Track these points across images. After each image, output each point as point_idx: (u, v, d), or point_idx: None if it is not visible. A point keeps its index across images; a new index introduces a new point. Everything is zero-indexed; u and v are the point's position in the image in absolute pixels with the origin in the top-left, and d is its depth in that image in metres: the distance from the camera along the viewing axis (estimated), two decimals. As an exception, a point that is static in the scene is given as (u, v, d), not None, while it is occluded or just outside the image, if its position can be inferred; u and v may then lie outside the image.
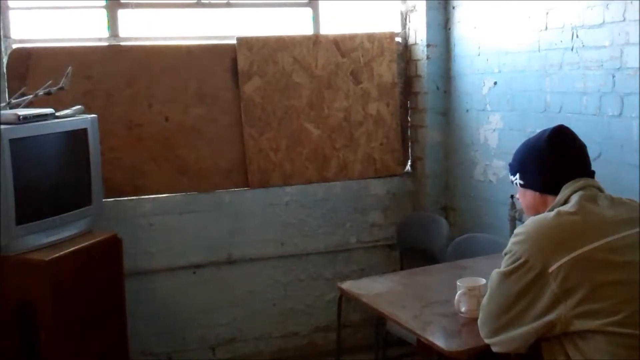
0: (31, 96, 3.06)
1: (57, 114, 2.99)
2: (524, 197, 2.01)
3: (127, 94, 3.64)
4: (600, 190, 1.90)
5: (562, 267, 1.66)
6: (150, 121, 3.69)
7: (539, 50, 3.35)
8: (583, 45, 3.08)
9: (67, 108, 3.14)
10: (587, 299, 1.64)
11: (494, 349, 1.84)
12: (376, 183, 4.10)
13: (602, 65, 2.98)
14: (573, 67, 3.15)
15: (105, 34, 3.69)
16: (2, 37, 3.47)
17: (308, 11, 4.05)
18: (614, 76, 2.93)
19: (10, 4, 3.55)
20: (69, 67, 3.10)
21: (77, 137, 3.04)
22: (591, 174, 1.94)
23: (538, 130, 3.36)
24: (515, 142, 3.56)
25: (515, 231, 1.82)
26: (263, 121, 3.85)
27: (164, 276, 3.72)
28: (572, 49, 3.14)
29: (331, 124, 3.99)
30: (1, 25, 3.48)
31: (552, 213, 1.81)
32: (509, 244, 1.80)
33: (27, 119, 2.77)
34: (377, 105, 4.08)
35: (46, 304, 2.70)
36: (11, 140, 2.66)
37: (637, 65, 2.80)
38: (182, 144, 3.74)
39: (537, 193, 1.96)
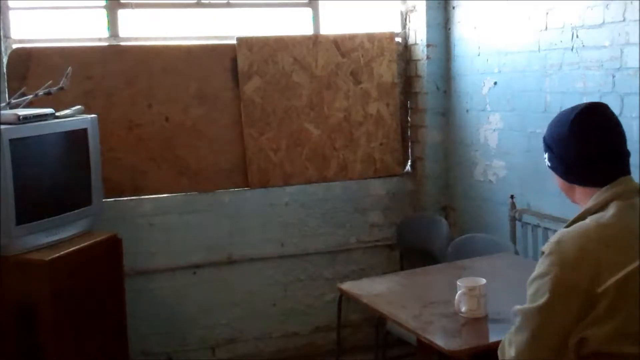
0: (31, 96, 3.06)
1: (57, 114, 2.99)
2: (555, 178, 1.75)
3: (127, 94, 3.64)
4: (638, 189, 1.64)
5: (612, 287, 1.46)
6: (150, 121, 3.69)
7: (539, 50, 3.35)
8: (583, 45, 3.08)
9: (67, 108, 3.14)
10: (630, 319, 1.46)
11: None
12: (376, 183, 4.10)
13: (602, 65, 2.98)
14: (573, 67, 3.15)
15: (105, 34, 3.69)
16: (2, 37, 3.47)
17: (308, 11, 4.05)
18: (614, 76, 2.93)
19: (10, 4, 3.54)
20: (69, 67, 3.10)
21: (77, 137, 3.04)
22: (627, 166, 1.65)
23: (538, 130, 3.41)
24: (515, 142, 3.58)
25: (550, 248, 1.56)
26: (263, 121, 3.85)
27: (164, 276, 3.72)
28: (572, 49, 3.14)
29: (331, 124, 3.99)
30: (1, 25, 3.48)
31: (592, 225, 1.56)
32: (545, 265, 1.53)
33: (27, 119, 2.77)
34: (377, 105, 4.08)
35: (46, 304, 2.70)
36: (11, 140, 2.66)
37: (637, 65, 2.80)
38: (182, 144, 3.73)
39: (563, 180, 1.71)
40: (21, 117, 2.75)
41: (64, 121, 3.00)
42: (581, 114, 1.65)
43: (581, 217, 1.62)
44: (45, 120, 2.87)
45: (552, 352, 1.51)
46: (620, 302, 1.45)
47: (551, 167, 1.74)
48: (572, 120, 1.65)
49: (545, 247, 1.57)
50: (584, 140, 1.63)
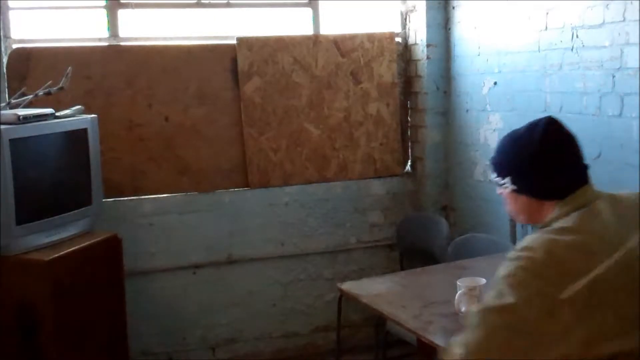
0: (31, 96, 3.06)
1: (57, 114, 2.99)
2: (516, 203, 1.76)
3: (127, 94, 3.64)
4: (599, 196, 1.67)
5: (578, 294, 1.44)
6: (150, 121, 3.69)
7: (539, 50, 3.35)
8: (583, 45, 3.08)
9: (67, 108, 3.14)
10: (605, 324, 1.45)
11: None
12: (376, 183, 4.10)
13: (602, 65, 2.98)
14: (573, 67, 3.15)
15: (105, 34, 3.69)
16: (2, 37, 3.47)
17: (308, 11, 4.05)
18: (614, 76, 2.93)
19: (10, 4, 3.55)
20: (69, 67, 3.10)
21: (77, 137, 3.04)
22: (586, 172, 1.71)
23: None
24: (515, 142, 3.58)
25: (517, 254, 1.55)
26: (263, 121, 3.85)
27: (164, 276, 3.73)
28: (572, 49, 3.14)
29: (331, 124, 3.99)
30: (1, 25, 3.48)
31: (559, 231, 1.58)
32: (512, 268, 1.52)
33: (27, 119, 2.77)
34: (377, 106, 4.08)
35: (46, 304, 2.70)
36: (11, 140, 2.66)
37: (637, 65, 2.80)
38: (182, 144, 3.74)
39: (534, 199, 1.71)
40: (21, 117, 2.75)
41: (64, 121, 3.00)
42: (547, 128, 1.69)
43: (547, 225, 1.63)
44: (45, 120, 2.87)
45: (503, 355, 1.46)
46: (589, 308, 1.44)
47: (519, 190, 1.73)
48: (541, 138, 1.67)
49: (511, 253, 1.55)
50: (558, 152, 1.68)
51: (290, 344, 4.00)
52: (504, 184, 1.76)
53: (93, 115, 3.13)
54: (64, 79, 3.06)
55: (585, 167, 1.71)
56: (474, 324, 1.50)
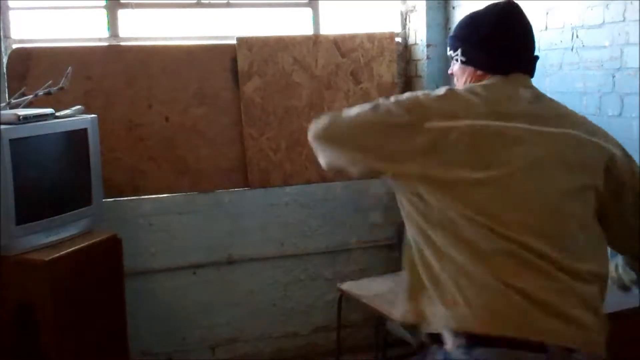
0: (31, 96, 3.06)
1: (57, 114, 2.99)
2: (462, 75, 1.81)
3: (127, 94, 3.64)
4: (530, 87, 1.73)
5: (440, 129, 1.56)
6: (150, 121, 3.69)
7: (539, 50, 3.34)
8: (583, 45, 3.08)
9: (67, 108, 3.14)
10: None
11: (319, 148, 1.75)
12: (376, 183, 4.10)
13: (602, 65, 2.98)
14: (573, 67, 3.15)
15: (105, 34, 3.69)
16: (2, 37, 3.47)
17: (308, 11, 4.06)
18: (614, 76, 2.93)
19: (10, 4, 3.55)
20: (69, 67, 3.10)
21: (77, 137, 3.04)
22: (530, 62, 1.78)
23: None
24: (515, 142, 3.57)
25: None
26: (263, 121, 3.85)
27: (164, 276, 3.72)
28: (572, 49, 3.14)
29: (331, 124, 3.98)
30: (1, 25, 3.48)
31: (468, 87, 1.72)
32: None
33: (27, 119, 2.77)
34: (377, 105, 4.08)
35: (46, 304, 2.70)
36: (11, 141, 2.65)
37: (637, 65, 2.80)
38: (182, 144, 3.73)
39: (477, 70, 1.77)
40: (21, 117, 2.75)
41: (64, 121, 3.00)
42: (505, 8, 1.77)
43: None
44: (45, 120, 2.87)
45: (363, 137, 1.64)
46: (444, 144, 1.54)
47: (465, 62, 1.79)
48: (495, 16, 1.76)
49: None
50: (504, 33, 1.74)
51: (290, 344, 3.99)
52: (455, 56, 1.82)
53: (93, 115, 3.13)
54: (64, 79, 3.06)
55: (531, 58, 1.78)
56: (351, 113, 1.68)
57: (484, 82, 1.71)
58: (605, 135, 1.71)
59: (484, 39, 1.74)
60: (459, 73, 1.81)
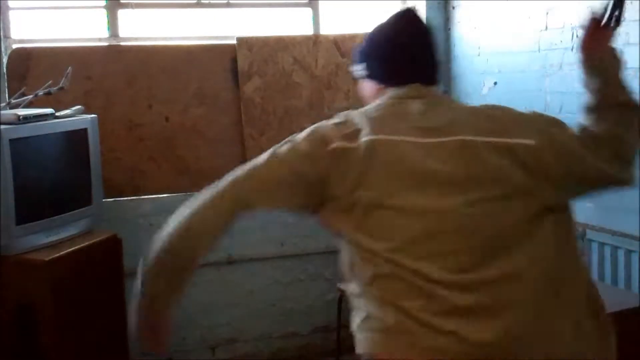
0: (31, 96, 3.06)
1: (57, 114, 2.99)
2: (366, 90, 1.76)
3: (127, 94, 3.64)
4: (426, 96, 1.64)
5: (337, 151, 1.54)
6: (150, 121, 3.69)
7: (539, 50, 3.35)
8: (583, 45, 3.08)
9: (67, 108, 3.14)
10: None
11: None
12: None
13: (602, 65, 2.98)
14: (573, 67, 3.14)
15: (105, 34, 3.69)
16: (2, 37, 3.47)
17: (308, 11, 4.05)
18: (614, 76, 2.93)
19: (10, 4, 3.55)
20: (69, 67, 3.10)
21: (77, 137, 3.04)
22: (428, 71, 1.69)
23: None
24: (515, 142, 3.58)
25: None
26: (263, 121, 3.85)
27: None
28: (572, 49, 3.14)
29: (331, 124, 3.98)
30: (1, 25, 3.48)
31: (364, 109, 1.65)
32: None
33: (27, 119, 2.77)
34: (377, 105, 4.08)
35: (46, 304, 2.70)
36: (11, 140, 2.65)
37: (637, 65, 2.80)
38: (182, 144, 3.73)
39: (378, 84, 1.70)
40: (21, 117, 2.75)
41: (64, 121, 3.00)
42: (404, 16, 1.70)
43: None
44: (46, 120, 2.87)
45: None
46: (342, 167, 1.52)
47: (368, 76, 1.73)
48: (392, 24, 1.69)
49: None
50: (401, 42, 1.67)
51: (290, 344, 3.99)
52: (359, 70, 1.76)
53: (93, 115, 3.13)
54: (64, 79, 3.06)
55: (429, 67, 1.70)
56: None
57: (377, 101, 1.66)
58: (529, 122, 1.57)
59: (379, 50, 1.69)
60: (364, 88, 1.76)
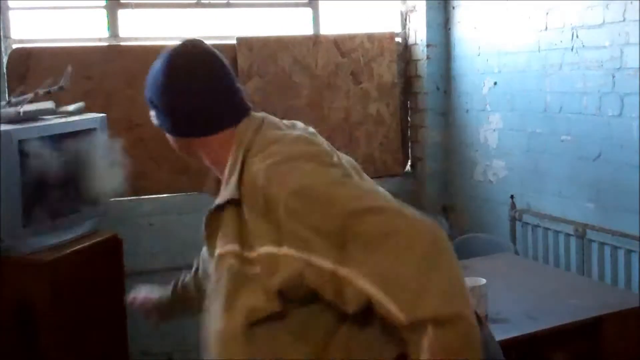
0: (31, 95, 3.06)
1: (59, 110, 2.99)
2: (181, 146, 1.56)
3: (127, 94, 3.64)
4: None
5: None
6: (150, 121, 3.67)
7: (539, 51, 3.35)
8: (583, 45, 3.08)
9: (67, 108, 3.14)
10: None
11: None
12: (376, 183, 4.10)
13: (602, 65, 2.98)
14: (573, 67, 3.15)
15: (105, 34, 3.69)
16: (2, 37, 3.47)
17: (308, 11, 4.06)
18: (614, 76, 2.93)
19: (10, 4, 3.54)
20: (69, 67, 3.10)
21: (86, 136, 3.02)
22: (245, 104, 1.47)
23: (538, 130, 3.41)
24: (515, 142, 3.58)
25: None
26: (263, 121, 3.85)
27: (164, 276, 3.71)
28: (572, 49, 3.14)
29: (331, 124, 3.99)
30: (1, 25, 3.48)
31: (290, 140, 1.39)
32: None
33: (27, 114, 2.76)
34: (377, 106, 4.08)
35: (46, 304, 2.70)
36: (20, 142, 2.63)
37: (637, 65, 2.81)
38: (182, 144, 3.73)
39: (188, 138, 1.48)
40: (21, 112, 2.74)
41: (73, 121, 2.97)
42: (180, 51, 1.45)
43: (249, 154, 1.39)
44: (46, 115, 2.86)
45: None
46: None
47: (168, 130, 1.50)
48: (166, 63, 1.43)
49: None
50: (184, 82, 1.43)
51: (290, 344, 3.99)
52: (154, 117, 1.50)
53: (102, 115, 3.11)
54: (63, 78, 3.06)
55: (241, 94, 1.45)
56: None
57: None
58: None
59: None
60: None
